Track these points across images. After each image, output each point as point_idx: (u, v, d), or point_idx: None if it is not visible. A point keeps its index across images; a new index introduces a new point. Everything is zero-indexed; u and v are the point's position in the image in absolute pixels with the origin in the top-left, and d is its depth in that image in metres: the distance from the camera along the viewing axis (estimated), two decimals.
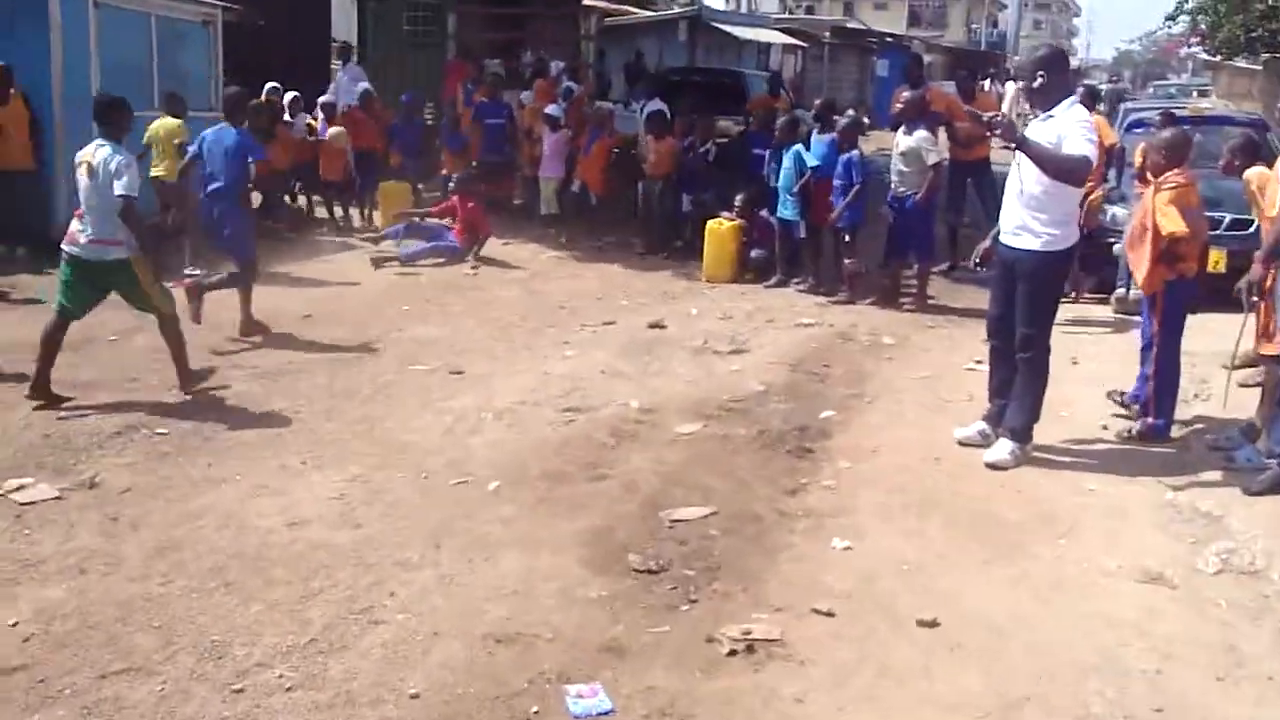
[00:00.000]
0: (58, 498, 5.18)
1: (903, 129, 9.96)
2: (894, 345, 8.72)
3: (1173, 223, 6.13)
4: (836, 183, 10.13)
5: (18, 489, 5.25)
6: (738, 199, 11.19)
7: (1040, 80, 5.80)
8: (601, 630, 4.13)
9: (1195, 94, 31.91)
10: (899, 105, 10.22)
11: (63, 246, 6.59)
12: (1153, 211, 6.26)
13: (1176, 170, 6.36)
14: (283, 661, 3.84)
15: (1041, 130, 5.73)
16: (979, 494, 5.65)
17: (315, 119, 13.07)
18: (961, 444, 6.29)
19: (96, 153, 6.45)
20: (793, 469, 5.94)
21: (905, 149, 9.78)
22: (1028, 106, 11.23)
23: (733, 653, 4.00)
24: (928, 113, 10.29)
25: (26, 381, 6.51)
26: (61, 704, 3.59)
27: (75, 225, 6.56)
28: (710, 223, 11.16)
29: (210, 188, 8.36)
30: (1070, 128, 5.60)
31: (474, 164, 12.99)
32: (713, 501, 5.40)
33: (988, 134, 5.90)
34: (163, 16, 11.21)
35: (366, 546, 4.75)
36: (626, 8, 23.85)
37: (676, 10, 24.74)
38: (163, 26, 11.18)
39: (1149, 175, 6.70)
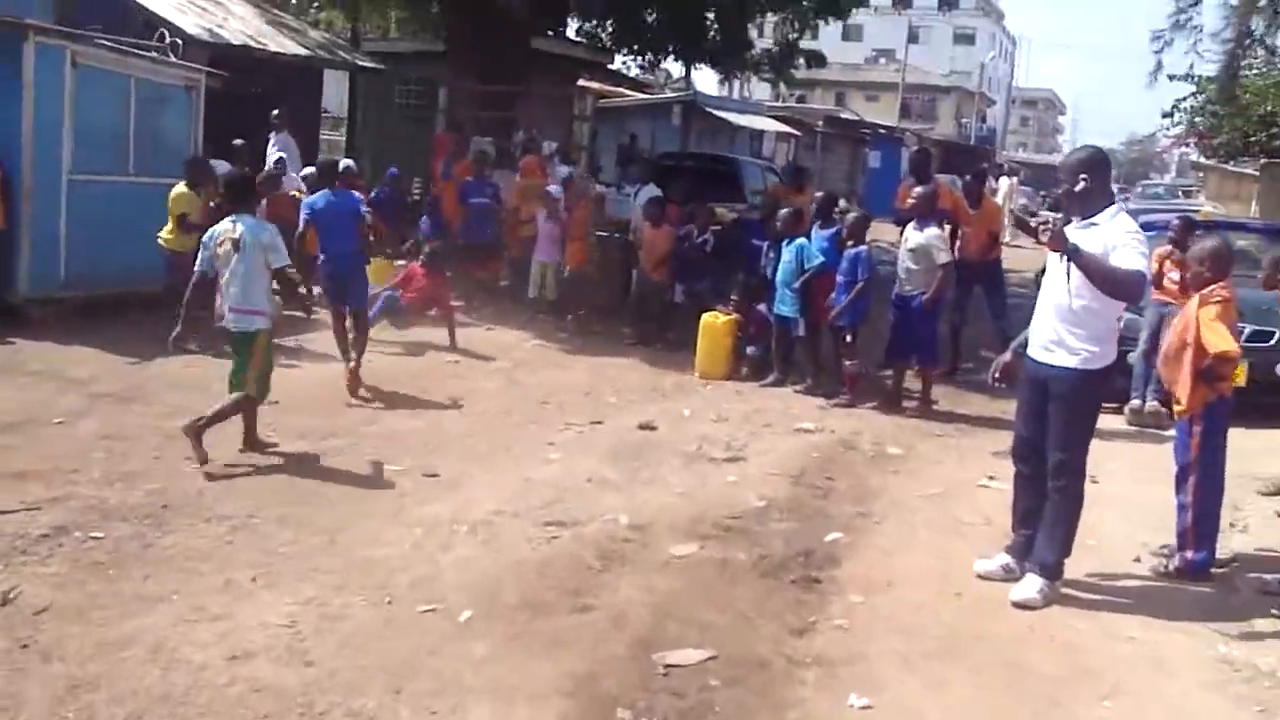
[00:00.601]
0: None
1: (912, 225, 9.52)
2: (900, 456, 8.16)
3: (1223, 340, 5.63)
4: (840, 279, 9.66)
5: None
6: (734, 292, 10.70)
7: (1083, 184, 5.32)
8: None
9: (1181, 194, 31.96)
10: (911, 200, 9.77)
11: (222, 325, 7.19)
12: (1196, 326, 5.76)
13: (1221, 284, 5.88)
14: None
15: (1084, 239, 5.23)
16: (1007, 638, 5.06)
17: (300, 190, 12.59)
18: (982, 578, 5.70)
19: (236, 227, 6.84)
20: (799, 603, 5.33)
21: (915, 245, 9.32)
22: (1022, 202, 10.94)
23: None
24: (936, 209, 9.87)
25: None
26: None
27: (221, 302, 7.27)
28: (705, 316, 10.65)
29: (332, 252, 8.72)
30: (1119, 238, 5.11)
31: (455, 244, 12.53)
32: (711, 642, 4.78)
33: (1040, 241, 5.37)
34: (144, 79, 10.71)
35: (316, 690, 4.11)
36: (621, 90, 23.66)
37: (671, 94, 24.54)
38: (143, 89, 10.68)
39: (1189, 287, 6.24)
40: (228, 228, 6.86)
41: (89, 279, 10.33)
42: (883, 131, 33.20)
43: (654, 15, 17.82)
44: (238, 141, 12.00)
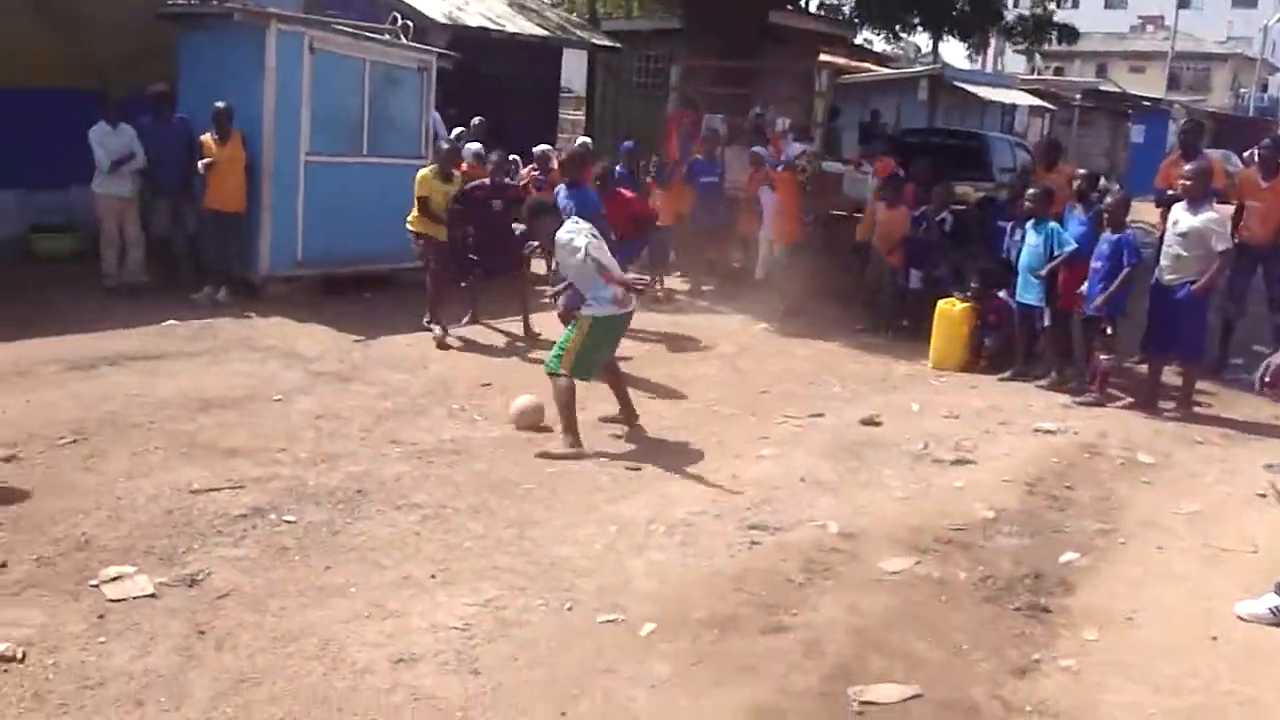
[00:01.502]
0: (152, 595, 4.52)
1: (1182, 207, 8.51)
2: (1153, 465, 7.29)
3: None
4: (1095, 264, 8.77)
5: (114, 579, 4.63)
6: (973, 277, 9.93)
7: None
8: None
9: None
10: (1182, 180, 8.72)
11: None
12: None
13: None
14: None
15: None
16: (1276, 703, 4.30)
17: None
18: (1246, 620, 4.93)
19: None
20: (1023, 636, 4.73)
21: (1187, 230, 8.32)
22: None
23: None
24: (1209, 189, 8.79)
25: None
26: None
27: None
28: (941, 303, 9.94)
29: None
30: None
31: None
32: (918, 678, 4.26)
33: None
34: (377, 62, 10.86)
35: (478, 705, 3.86)
36: (864, 64, 22.70)
37: (918, 68, 23.43)
38: (376, 72, 10.84)
39: None
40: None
41: (324, 258, 10.60)
42: (1147, 104, 30.69)
43: None
44: (476, 120, 12.09)
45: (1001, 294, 9.82)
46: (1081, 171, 10.77)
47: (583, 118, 20.47)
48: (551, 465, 6.47)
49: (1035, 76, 34.34)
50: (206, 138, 10.05)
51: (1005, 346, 9.76)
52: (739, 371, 9.28)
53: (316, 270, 10.62)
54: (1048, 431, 7.88)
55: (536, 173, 11.94)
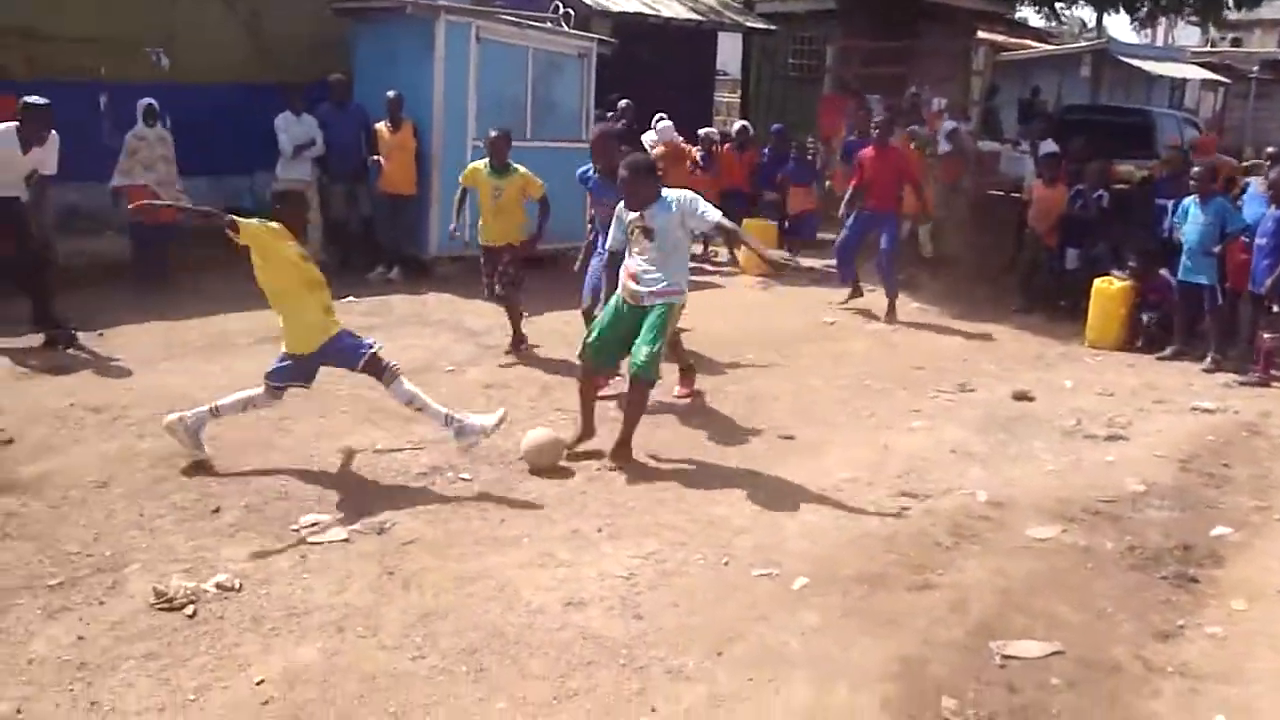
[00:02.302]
0: (345, 540, 5.00)
1: None
2: None
3: None
4: (1260, 241, 8.62)
5: (312, 526, 5.12)
6: (1131, 256, 9.82)
7: None
8: None
9: None
10: None
11: None
12: None
13: None
14: None
15: None
16: None
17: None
18: None
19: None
20: (1168, 603, 4.82)
21: None
22: None
23: None
24: None
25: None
26: None
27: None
28: (1098, 281, 9.86)
29: None
30: None
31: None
32: (1060, 637, 4.41)
33: None
34: (540, 49, 11.31)
35: (640, 643, 4.18)
36: (1025, 41, 22.25)
37: (1081, 44, 22.82)
38: (539, 59, 11.30)
39: None
40: None
41: None
42: None
43: None
44: (623, 102, 12.45)
45: (1163, 272, 9.70)
46: (1270, 150, 10.52)
47: (738, 101, 20.65)
48: (707, 435, 6.75)
49: (1209, 49, 32.93)
50: (380, 126, 10.66)
51: (1164, 325, 9.65)
52: (891, 347, 9.41)
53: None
54: (1206, 410, 7.82)
55: (700, 154, 12.24)
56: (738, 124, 13.04)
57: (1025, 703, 3.94)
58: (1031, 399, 7.80)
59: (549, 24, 11.79)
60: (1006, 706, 3.91)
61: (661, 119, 12.30)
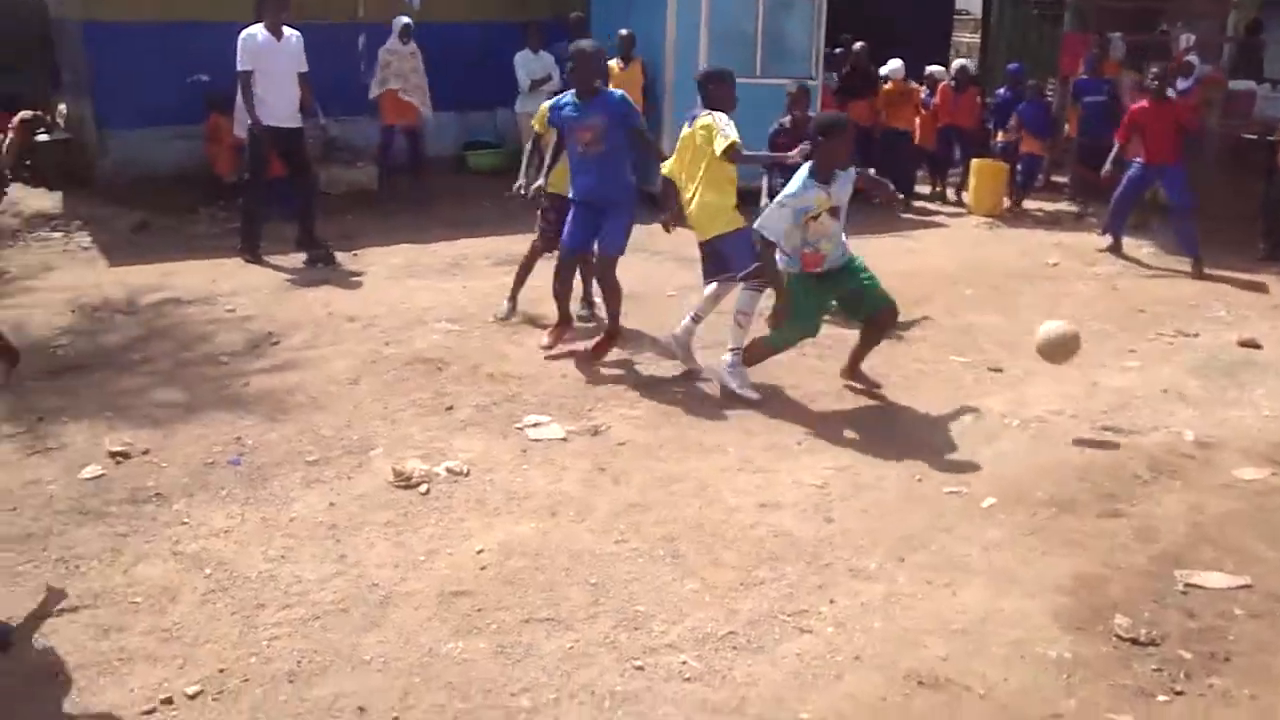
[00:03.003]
0: (563, 439, 5.44)
1: None
2: None
3: None
4: None
5: (534, 425, 5.59)
6: None
7: None
8: (1047, 700, 3.49)
9: None
10: None
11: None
12: None
13: None
14: (694, 648, 3.67)
15: None
16: None
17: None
18: None
19: None
20: None
21: None
22: None
23: None
24: None
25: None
26: (483, 637, 3.72)
27: None
28: None
29: None
30: None
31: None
32: (1251, 571, 4.40)
33: None
34: None
35: (827, 544, 4.44)
36: None
37: None
38: None
39: None
40: None
41: None
42: None
43: None
44: (858, 45, 12.45)
45: None
46: None
47: (978, 40, 20.09)
48: (917, 364, 6.86)
49: None
50: (612, 63, 11.06)
51: None
52: (1116, 290, 9.17)
53: None
54: None
55: (925, 93, 12.14)
56: (957, 63, 12.78)
57: (1202, 627, 3.98)
58: (1259, 346, 7.52)
59: None
60: (1181, 630, 3.96)
61: (895, 61, 12.27)
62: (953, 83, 12.50)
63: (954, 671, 3.61)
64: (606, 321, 6.79)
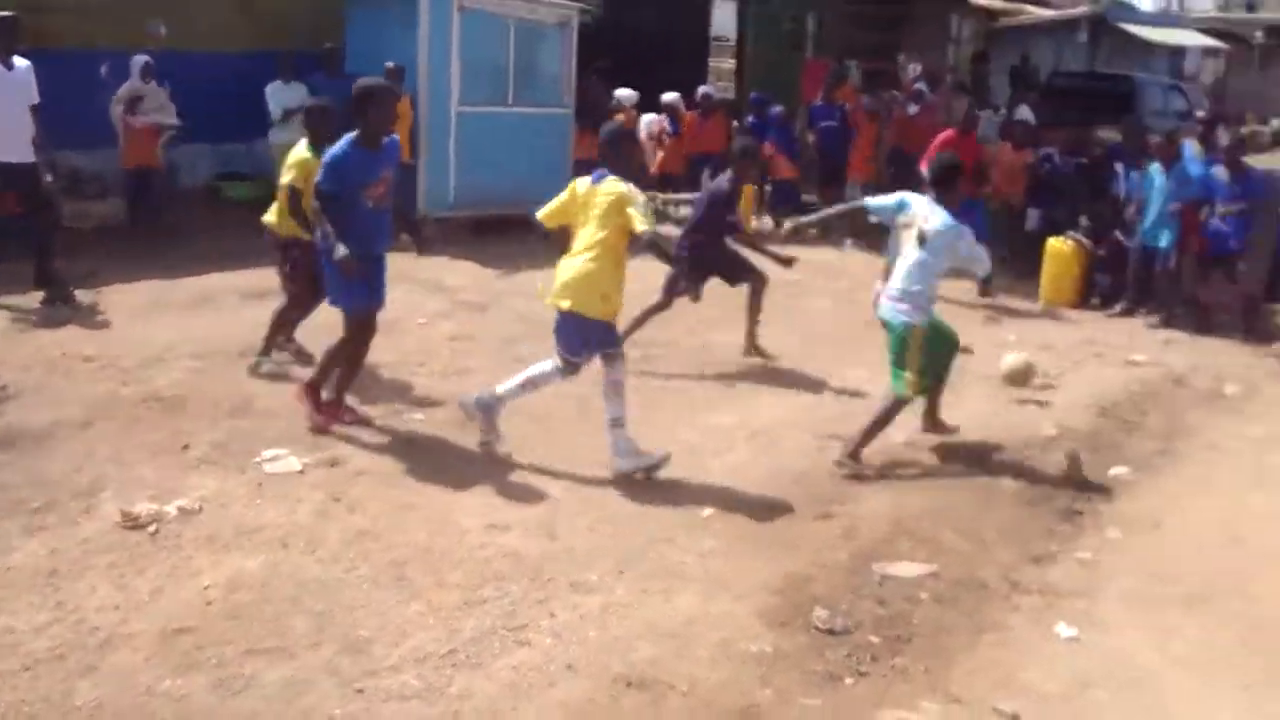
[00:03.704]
0: (300, 471, 5.48)
1: None
2: (1236, 396, 7.58)
3: None
4: (1220, 204, 9.06)
5: (272, 459, 5.61)
6: (1084, 218, 10.21)
7: None
8: (745, 692, 3.80)
9: None
10: None
11: None
12: None
13: None
14: (414, 668, 3.82)
15: None
16: (1271, 594, 4.77)
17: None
18: None
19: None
20: (1050, 533, 5.27)
21: None
22: None
23: None
24: None
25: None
26: (203, 672, 3.75)
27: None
28: (1052, 241, 10.25)
29: None
30: None
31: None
32: (940, 560, 4.87)
33: None
34: (521, 19, 11.70)
35: (552, 561, 4.66)
36: (1023, 6, 22.45)
37: (1077, 9, 22.97)
38: (521, 28, 11.69)
39: None
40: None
41: (474, 200, 11.55)
42: None
43: None
44: (600, 64, 12.86)
45: (1117, 233, 10.08)
46: (1198, 114, 10.90)
47: (733, 66, 20.91)
48: (654, 384, 7.18)
49: (1216, 15, 32.88)
50: None
51: (1116, 284, 10.03)
52: (852, 304, 9.78)
53: (467, 212, 11.59)
54: (1138, 363, 8.22)
55: (665, 123, 12.61)
56: (701, 89, 13.36)
57: (891, 615, 4.40)
58: (970, 351, 8.18)
59: None
60: (873, 617, 4.37)
61: (624, 90, 12.69)
62: (700, 110, 13.04)
63: (661, 672, 3.88)
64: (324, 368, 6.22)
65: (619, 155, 5.67)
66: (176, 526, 4.84)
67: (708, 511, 5.23)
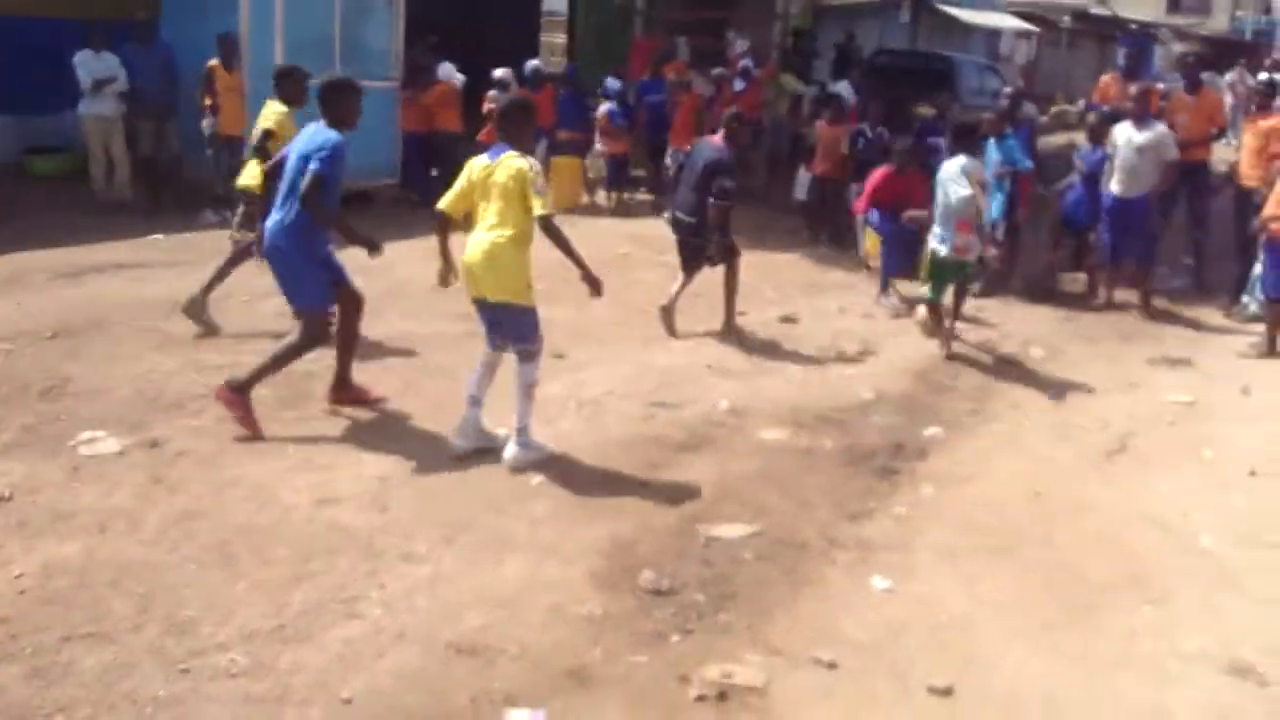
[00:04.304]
0: (119, 453, 5.33)
1: (1130, 125, 9.17)
2: (1042, 359, 8.02)
3: None
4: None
5: (88, 441, 5.43)
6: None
7: None
8: (575, 653, 3.90)
9: None
10: (1133, 101, 9.43)
11: None
12: None
13: None
14: (242, 645, 3.79)
15: None
16: (1069, 542, 5.09)
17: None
18: None
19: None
20: (868, 491, 5.52)
21: (1142, 144, 9.06)
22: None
23: (701, 698, 3.70)
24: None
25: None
26: (18, 661, 3.65)
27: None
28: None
29: None
30: None
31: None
32: (762, 521, 5.06)
33: None
34: None
35: (381, 533, 4.67)
36: None
37: None
38: (347, 0, 11.46)
39: None
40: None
41: None
42: (1134, 28, 30.82)
43: None
44: (432, 39, 12.70)
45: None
46: (1006, 90, 11.45)
47: (563, 41, 20.92)
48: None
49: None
50: (215, 64, 10.67)
51: None
52: (678, 277, 9.95)
53: None
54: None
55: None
56: (530, 64, 13.32)
57: (715, 574, 4.55)
58: (795, 321, 8.50)
59: None
60: (698, 577, 4.51)
61: (444, 64, 12.52)
62: (530, 84, 12.99)
63: (492, 638, 3.94)
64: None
65: (516, 128, 5.45)
66: None
67: (536, 479, 5.30)
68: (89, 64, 10.76)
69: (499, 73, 12.34)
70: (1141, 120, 9.16)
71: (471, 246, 5.39)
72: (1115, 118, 9.83)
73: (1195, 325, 9.28)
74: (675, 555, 4.68)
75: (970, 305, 9.43)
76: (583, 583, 4.38)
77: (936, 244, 7.73)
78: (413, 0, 12.43)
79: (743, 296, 9.27)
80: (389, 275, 8.50)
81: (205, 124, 10.84)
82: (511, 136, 5.43)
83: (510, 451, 5.46)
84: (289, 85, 7.11)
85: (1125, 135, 9.21)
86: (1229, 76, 22.35)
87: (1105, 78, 11.95)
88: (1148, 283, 9.50)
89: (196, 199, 10.99)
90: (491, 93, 11.65)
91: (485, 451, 5.56)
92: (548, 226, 5.29)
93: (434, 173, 11.68)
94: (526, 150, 5.43)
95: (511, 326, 5.55)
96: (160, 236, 10.02)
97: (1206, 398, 7.23)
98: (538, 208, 5.23)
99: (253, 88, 10.79)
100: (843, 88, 13.28)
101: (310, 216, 5.56)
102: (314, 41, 11.15)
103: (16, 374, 6.31)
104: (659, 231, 11.53)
